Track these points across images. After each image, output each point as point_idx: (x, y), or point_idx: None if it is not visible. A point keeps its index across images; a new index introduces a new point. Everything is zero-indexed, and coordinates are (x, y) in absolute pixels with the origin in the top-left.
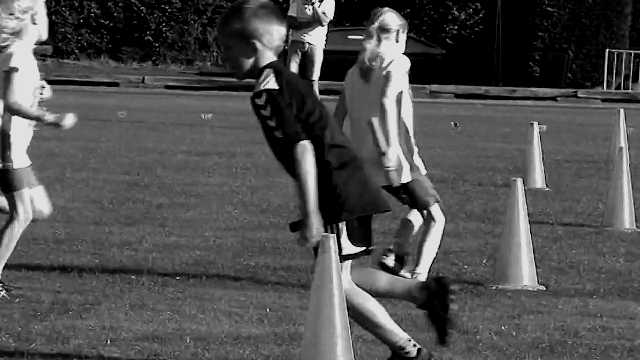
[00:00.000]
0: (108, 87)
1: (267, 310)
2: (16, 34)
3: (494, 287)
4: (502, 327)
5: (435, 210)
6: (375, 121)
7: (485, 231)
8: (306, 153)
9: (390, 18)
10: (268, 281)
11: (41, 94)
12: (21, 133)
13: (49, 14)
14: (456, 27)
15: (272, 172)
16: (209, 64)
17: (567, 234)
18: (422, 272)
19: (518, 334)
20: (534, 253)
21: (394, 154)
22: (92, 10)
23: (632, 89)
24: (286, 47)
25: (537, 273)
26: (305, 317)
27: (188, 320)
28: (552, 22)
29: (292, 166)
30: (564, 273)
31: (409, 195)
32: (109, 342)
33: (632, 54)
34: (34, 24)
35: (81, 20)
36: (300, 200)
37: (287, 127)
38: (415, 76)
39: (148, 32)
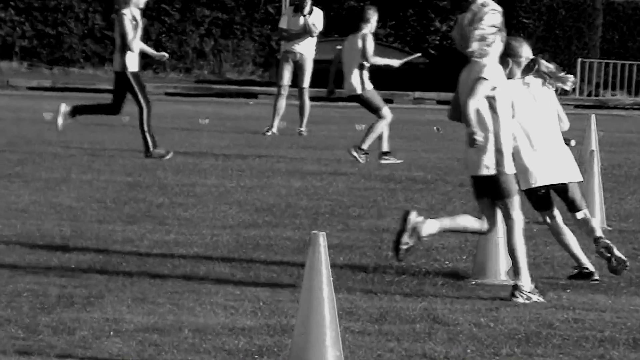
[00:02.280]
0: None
1: (261, 304)
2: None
3: (473, 282)
4: (481, 319)
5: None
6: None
7: None
8: None
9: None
10: (261, 276)
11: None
12: (509, 140)
13: (55, 26)
14: (438, 38)
15: (266, 173)
16: (206, 72)
17: (542, 231)
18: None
19: (496, 325)
20: None
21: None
22: (96, 22)
23: (602, 96)
24: (279, 57)
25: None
26: (297, 309)
27: (186, 313)
28: (527, 33)
29: None
30: (539, 268)
31: (568, 196)
32: (112, 333)
33: (603, 64)
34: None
35: (86, 31)
36: None
37: None
38: (400, 84)
39: (148, 42)
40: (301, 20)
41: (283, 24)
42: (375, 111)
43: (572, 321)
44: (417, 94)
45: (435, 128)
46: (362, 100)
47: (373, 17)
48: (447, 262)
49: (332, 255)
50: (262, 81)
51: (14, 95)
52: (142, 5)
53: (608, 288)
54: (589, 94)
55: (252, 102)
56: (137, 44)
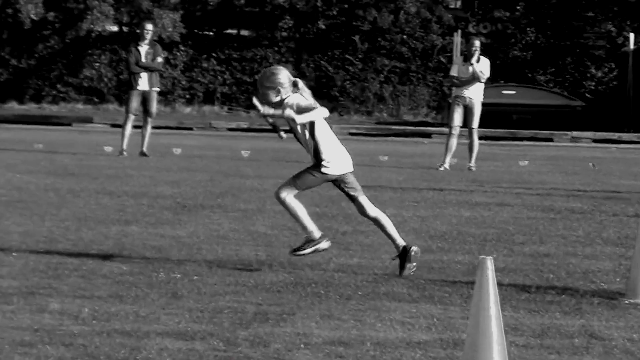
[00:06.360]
0: None
1: (435, 320)
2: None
3: (627, 302)
4: (634, 335)
5: None
6: None
7: (619, 254)
8: None
9: None
10: (435, 295)
11: None
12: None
13: (252, 74)
14: (594, 83)
15: (439, 204)
16: (385, 114)
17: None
18: None
19: None
20: None
21: None
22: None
23: None
24: (450, 101)
25: None
26: (467, 325)
27: (368, 328)
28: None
29: None
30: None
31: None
32: (302, 346)
33: None
34: None
35: None
36: None
37: None
38: (559, 124)
39: (334, 88)
40: (470, 68)
41: (454, 71)
42: None
43: None
44: (575, 133)
45: (590, 164)
46: None
47: None
48: (602, 284)
49: (499, 277)
50: (436, 122)
51: (215, 135)
52: None
53: None
54: None
55: (427, 141)
56: None
